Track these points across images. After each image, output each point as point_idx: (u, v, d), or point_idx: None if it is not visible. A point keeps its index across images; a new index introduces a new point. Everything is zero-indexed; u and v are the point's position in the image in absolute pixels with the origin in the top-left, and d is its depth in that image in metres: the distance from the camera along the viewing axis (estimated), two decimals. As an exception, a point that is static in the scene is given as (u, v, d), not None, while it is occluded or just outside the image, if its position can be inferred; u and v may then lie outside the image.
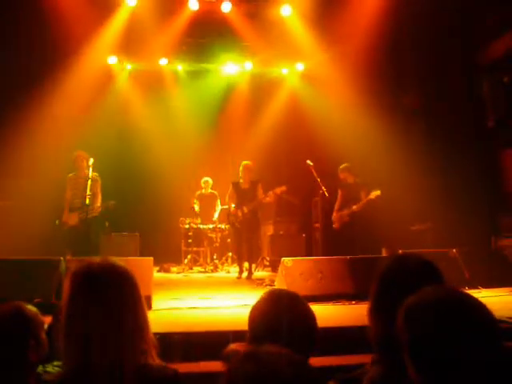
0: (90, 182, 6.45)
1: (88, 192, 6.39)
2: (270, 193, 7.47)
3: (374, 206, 7.25)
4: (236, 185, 7.68)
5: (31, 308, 1.90)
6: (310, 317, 1.63)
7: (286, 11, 8.46)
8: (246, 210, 7.45)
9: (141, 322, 1.50)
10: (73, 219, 6.66)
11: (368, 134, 8.21)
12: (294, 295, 1.65)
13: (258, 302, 1.64)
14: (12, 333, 1.80)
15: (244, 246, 7.59)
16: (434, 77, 8.18)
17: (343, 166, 7.46)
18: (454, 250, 5.80)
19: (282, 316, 1.55)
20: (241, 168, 7.65)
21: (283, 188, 7.53)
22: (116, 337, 1.43)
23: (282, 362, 1.03)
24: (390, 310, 1.41)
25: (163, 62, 9.52)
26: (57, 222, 6.75)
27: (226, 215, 7.84)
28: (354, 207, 7.36)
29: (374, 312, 1.52)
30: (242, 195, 7.55)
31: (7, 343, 1.78)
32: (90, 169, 6.51)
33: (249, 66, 9.83)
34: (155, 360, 1.51)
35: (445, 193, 7.66)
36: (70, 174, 6.83)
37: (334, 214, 7.55)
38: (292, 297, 1.65)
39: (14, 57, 7.28)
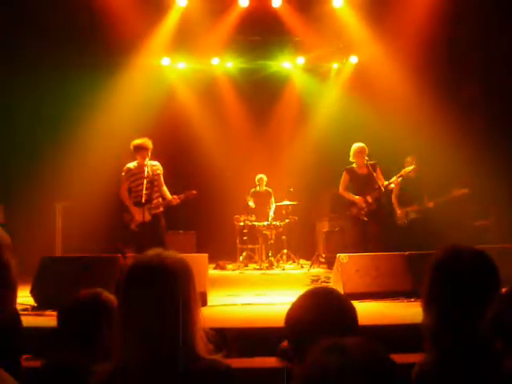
0: (156, 172, 5.92)
1: (155, 183, 5.87)
2: (395, 178, 6.43)
3: (455, 204, 6.94)
4: (351, 171, 6.60)
5: (109, 296, 2.02)
6: (350, 314, 1.57)
7: (337, 3, 8.31)
8: (370, 199, 6.40)
9: (193, 317, 1.50)
10: (145, 215, 5.82)
11: (425, 128, 7.93)
12: (333, 292, 1.60)
13: (297, 300, 1.61)
14: (87, 316, 1.93)
15: (370, 242, 6.42)
16: (496, 68, 7.77)
17: (409, 158, 7.18)
18: (520, 246, 5.49)
19: (319, 314, 1.51)
20: (352, 152, 6.56)
21: (413, 168, 6.59)
22: (167, 331, 1.43)
23: (367, 354, 0.99)
24: (444, 300, 1.38)
25: (215, 61, 9.61)
26: (128, 217, 5.93)
27: (347, 206, 6.66)
28: (430, 204, 7.07)
29: (427, 302, 1.48)
30: (361, 182, 6.50)
31: (83, 324, 1.92)
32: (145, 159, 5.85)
33: (301, 60, 9.74)
34: (207, 355, 1.50)
35: (508, 188, 7.29)
36: (131, 165, 5.98)
37: (398, 211, 7.26)
38: (330, 294, 1.60)
39: (68, 58, 7.54)
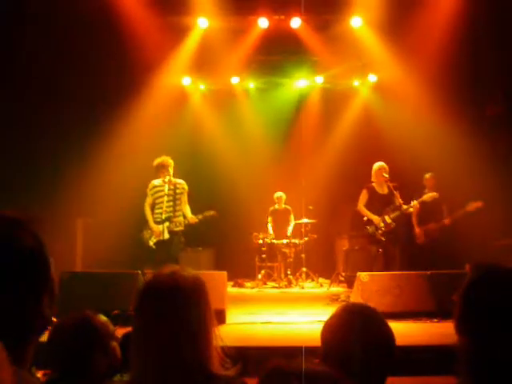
0: (180, 190, 5.98)
1: (177, 202, 5.94)
2: (415, 203, 6.38)
3: (470, 219, 6.82)
4: (371, 189, 6.53)
5: (101, 318, 1.93)
6: (387, 334, 1.52)
7: (356, 22, 8.34)
8: (388, 219, 6.32)
9: (207, 335, 1.48)
10: (163, 232, 5.87)
11: (448, 146, 7.85)
12: (370, 310, 1.56)
13: (331, 317, 1.57)
14: (75, 343, 1.83)
15: (388, 261, 6.35)
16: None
17: (428, 175, 7.16)
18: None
19: (355, 333, 1.46)
20: (373, 171, 6.56)
21: (434, 194, 6.61)
22: (180, 349, 1.42)
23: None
24: (480, 323, 1.30)
25: (235, 80, 9.71)
26: (147, 235, 6.01)
27: (364, 224, 6.55)
28: (446, 221, 6.99)
29: (462, 324, 1.40)
30: (380, 202, 6.44)
31: (71, 353, 1.82)
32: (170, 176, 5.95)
33: (320, 79, 9.77)
34: (222, 372, 1.48)
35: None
36: (156, 181, 6.08)
37: (418, 230, 7.19)
38: (367, 312, 1.55)
39: (94, 80, 7.70)
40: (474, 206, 6.80)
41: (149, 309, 1.46)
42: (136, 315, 1.48)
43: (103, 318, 1.94)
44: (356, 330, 1.46)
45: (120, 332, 2.12)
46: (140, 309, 1.48)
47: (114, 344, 1.92)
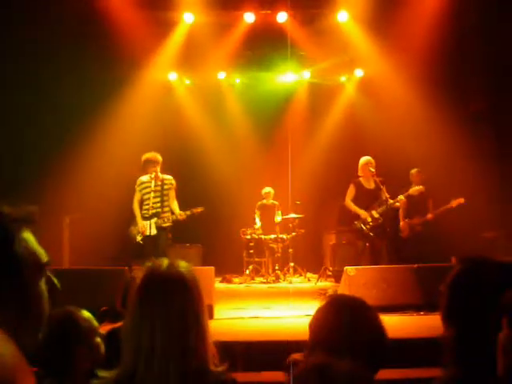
0: (167, 186, 5.97)
1: (165, 198, 5.94)
2: (402, 197, 6.43)
3: (454, 213, 6.91)
4: (358, 184, 6.56)
5: (83, 313, 1.90)
6: (377, 326, 1.52)
7: (342, 17, 8.35)
8: (376, 214, 6.37)
9: (205, 329, 1.47)
10: (151, 228, 5.90)
11: (434, 140, 7.93)
12: (357, 300, 1.56)
13: (319, 309, 1.56)
14: (57, 339, 1.81)
15: (376, 256, 6.40)
16: (503, 79, 7.78)
17: (414, 170, 7.22)
18: (533, 258, 5.41)
19: (344, 325, 1.46)
20: (359, 165, 6.56)
21: (421, 188, 6.72)
22: (181, 343, 1.41)
23: (346, 377, 0.97)
24: (467, 314, 1.32)
25: (221, 75, 9.67)
26: (135, 231, 5.98)
27: (352, 218, 6.60)
28: (429, 216, 7.07)
29: (448, 316, 1.41)
30: (367, 196, 6.48)
31: (52, 349, 1.79)
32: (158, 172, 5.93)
33: (306, 74, 9.77)
34: (214, 367, 1.47)
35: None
36: (144, 178, 6.04)
37: (402, 223, 7.28)
38: (356, 303, 1.55)
39: (79, 76, 7.63)
40: (456, 202, 6.93)
41: (150, 301, 1.44)
42: (135, 308, 1.45)
43: (86, 313, 1.92)
44: (343, 320, 1.46)
45: (107, 328, 2.10)
46: (140, 301, 1.45)
47: (98, 340, 1.90)
